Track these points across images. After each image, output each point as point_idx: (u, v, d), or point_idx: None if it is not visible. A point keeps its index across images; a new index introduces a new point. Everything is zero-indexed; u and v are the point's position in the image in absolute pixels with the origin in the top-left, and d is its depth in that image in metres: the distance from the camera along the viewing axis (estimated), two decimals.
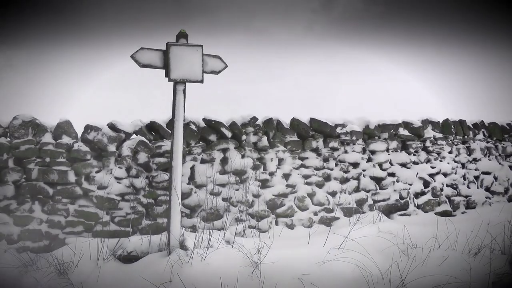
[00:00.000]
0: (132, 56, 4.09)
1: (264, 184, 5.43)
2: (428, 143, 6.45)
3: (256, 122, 5.45)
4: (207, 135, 5.24)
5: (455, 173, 6.61)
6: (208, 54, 4.32)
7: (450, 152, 6.67)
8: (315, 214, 5.54)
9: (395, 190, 6.05)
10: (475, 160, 6.90)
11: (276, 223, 5.40)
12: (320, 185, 5.71)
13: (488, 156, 7.08)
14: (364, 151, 6.02)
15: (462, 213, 6.41)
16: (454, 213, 6.34)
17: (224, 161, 5.28)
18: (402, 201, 6.04)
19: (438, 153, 6.55)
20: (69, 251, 4.09)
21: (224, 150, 5.31)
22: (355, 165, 5.93)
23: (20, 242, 4.42)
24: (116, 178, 4.79)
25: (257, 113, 5.50)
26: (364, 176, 5.94)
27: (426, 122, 6.52)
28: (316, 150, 5.74)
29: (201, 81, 4.20)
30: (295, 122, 5.67)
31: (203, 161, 5.21)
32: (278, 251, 4.11)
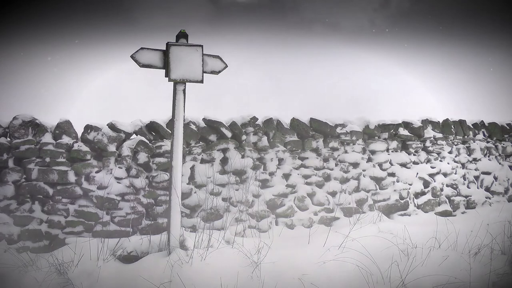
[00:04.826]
0: (132, 56, 4.09)
1: (264, 184, 5.43)
2: (428, 143, 6.45)
3: (256, 122, 5.45)
4: (207, 135, 5.24)
5: (455, 173, 6.62)
6: (208, 54, 4.32)
7: (450, 152, 6.67)
8: (315, 214, 5.54)
9: (395, 190, 6.05)
10: (475, 160, 6.90)
11: (276, 223, 5.40)
12: (320, 185, 5.71)
13: (488, 156, 7.08)
14: (364, 151, 6.02)
15: (462, 213, 6.41)
16: (454, 213, 6.34)
17: (224, 161, 5.28)
18: (402, 201, 6.04)
19: (438, 153, 6.55)
20: (69, 251, 4.09)
21: (224, 150, 5.31)
22: (355, 165, 5.93)
23: (20, 242, 4.42)
24: (116, 178, 4.79)
25: (257, 113, 5.50)
26: (364, 176, 5.94)
27: (426, 122, 6.53)
28: (316, 150, 5.74)
29: (201, 81, 4.20)
30: (295, 122, 5.67)
31: (203, 161, 5.21)
32: (278, 251, 4.11)
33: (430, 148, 6.47)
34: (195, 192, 5.09)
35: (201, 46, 4.23)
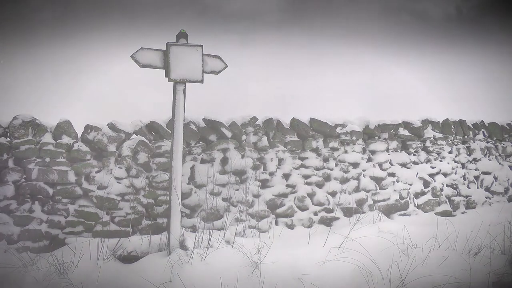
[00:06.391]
0: (132, 56, 4.10)
1: (264, 184, 5.43)
2: (428, 143, 6.45)
3: (256, 122, 5.45)
4: (207, 135, 5.24)
5: (455, 173, 6.62)
6: (208, 54, 4.32)
7: (450, 152, 6.67)
8: (315, 214, 5.55)
9: (395, 190, 6.05)
10: (475, 160, 6.90)
11: (276, 223, 5.40)
12: (320, 185, 5.70)
13: (488, 156, 7.08)
14: (364, 151, 6.02)
15: (462, 213, 6.41)
16: (454, 213, 6.34)
17: (224, 161, 5.28)
18: (402, 201, 6.04)
19: (438, 153, 6.55)
20: (69, 251, 4.09)
21: (224, 150, 5.31)
22: (355, 165, 5.93)
23: (20, 242, 4.42)
24: (116, 178, 4.79)
25: (257, 113, 5.50)
26: (364, 176, 5.94)
27: (426, 122, 6.53)
28: (316, 150, 5.74)
29: (201, 81, 4.20)
30: (295, 122, 5.67)
31: (203, 161, 5.21)
32: (278, 251, 4.11)
33: (430, 148, 6.47)
34: (195, 192, 5.09)
35: (201, 46, 4.23)
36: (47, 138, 4.68)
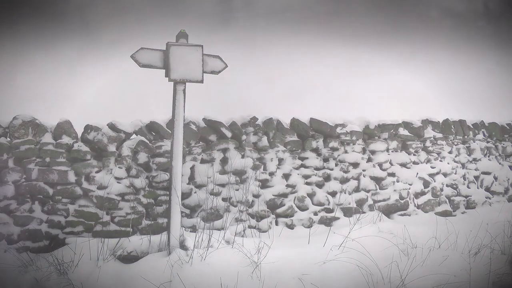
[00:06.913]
0: (132, 56, 4.10)
1: (264, 184, 5.43)
2: (428, 143, 6.45)
3: (256, 122, 5.45)
4: (207, 135, 5.24)
5: (455, 173, 6.62)
6: (208, 54, 4.32)
7: (450, 152, 6.67)
8: (315, 214, 5.55)
9: (395, 190, 6.05)
10: (475, 160, 6.90)
11: (276, 223, 5.40)
12: (320, 185, 5.71)
13: (488, 156, 7.08)
14: (364, 151, 6.02)
15: (462, 213, 6.41)
16: (454, 213, 6.34)
17: (224, 161, 5.28)
18: (402, 201, 6.04)
19: (438, 153, 6.55)
20: (69, 251, 4.09)
21: (224, 150, 5.31)
22: (355, 165, 5.93)
23: (20, 242, 4.41)
24: (116, 178, 4.79)
25: (257, 113, 5.50)
26: (364, 176, 5.94)
27: (426, 122, 6.53)
28: (316, 150, 5.74)
29: (201, 81, 4.20)
30: (295, 122, 5.67)
31: (203, 161, 5.21)
32: (278, 251, 4.11)
33: (430, 148, 6.47)
34: (195, 192, 5.09)
35: (201, 46, 4.23)
36: (47, 138, 4.67)
